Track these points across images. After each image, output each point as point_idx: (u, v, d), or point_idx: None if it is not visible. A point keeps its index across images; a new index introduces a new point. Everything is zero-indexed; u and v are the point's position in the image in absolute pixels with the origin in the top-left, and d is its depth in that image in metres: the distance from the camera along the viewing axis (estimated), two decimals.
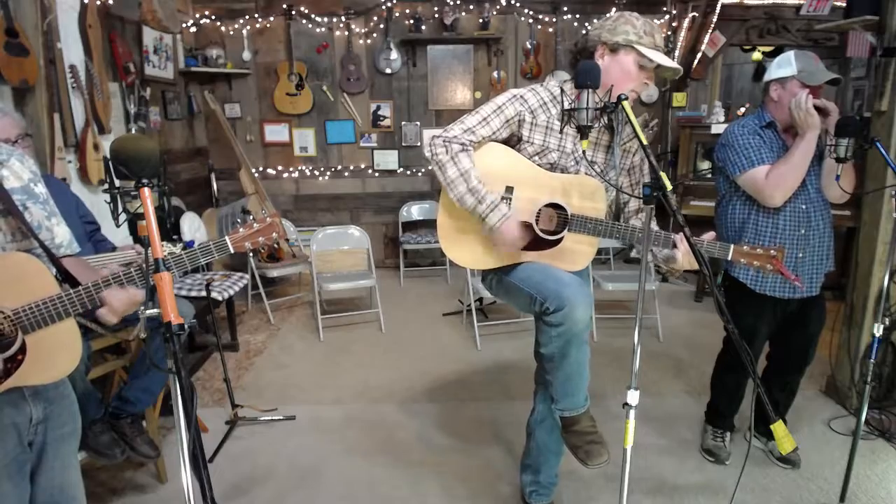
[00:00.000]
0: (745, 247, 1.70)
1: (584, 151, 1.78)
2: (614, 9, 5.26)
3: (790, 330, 2.39)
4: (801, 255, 2.23)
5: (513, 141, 1.86)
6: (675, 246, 1.71)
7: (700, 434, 2.68)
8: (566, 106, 1.79)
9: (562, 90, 1.83)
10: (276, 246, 1.53)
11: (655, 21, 5.66)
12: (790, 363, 2.45)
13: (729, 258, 1.70)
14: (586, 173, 1.83)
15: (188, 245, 4.29)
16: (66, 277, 1.31)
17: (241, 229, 1.42)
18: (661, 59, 1.70)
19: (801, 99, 2.06)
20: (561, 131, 1.82)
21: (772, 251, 1.67)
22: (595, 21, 5.35)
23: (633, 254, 1.95)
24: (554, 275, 1.77)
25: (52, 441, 1.40)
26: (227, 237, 1.41)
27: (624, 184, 1.94)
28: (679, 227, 1.40)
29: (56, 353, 1.27)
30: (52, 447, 1.40)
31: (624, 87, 1.71)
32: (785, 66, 2.15)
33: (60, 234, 1.40)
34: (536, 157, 1.82)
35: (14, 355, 1.23)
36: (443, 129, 1.80)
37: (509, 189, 1.81)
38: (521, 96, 1.81)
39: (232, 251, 1.41)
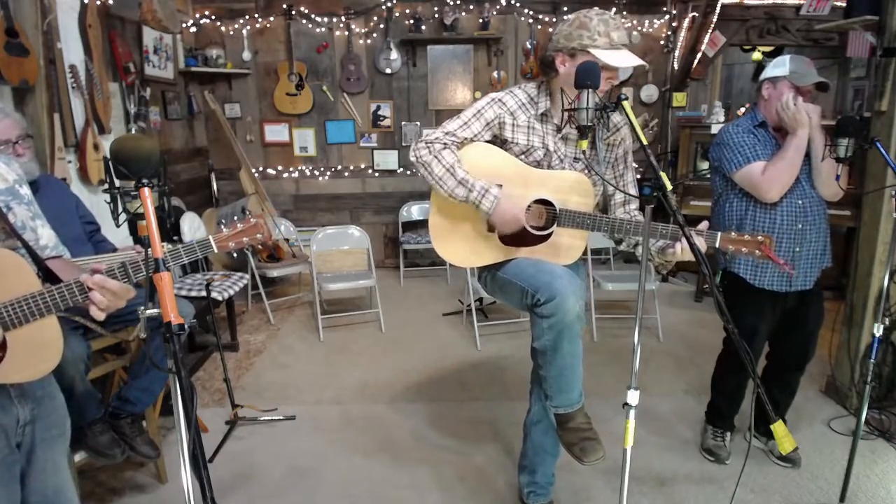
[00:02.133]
0: (732, 234, 1.71)
1: (584, 151, 1.78)
2: (614, 9, 5.26)
3: (790, 328, 2.39)
4: (798, 249, 2.26)
5: (497, 143, 1.89)
6: (677, 238, 1.71)
7: (700, 434, 2.68)
8: (566, 105, 1.81)
9: (538, 88, 1.85)
10: (260, 247, 1.54)
11: (655, 21, 5.65)
12: (790, 362, 2.46)
13: (717, 245, 1.70)
14: (572, 165, 1.86)
15: None
16: (48, 277, 1.30)
17: (224, 230, 1.44)
18: (616, 61, 1.66)
19: (787, 100, 2.14)
20: (554, 131, 1.84)
21: (759, 237, 1.68)
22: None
23: (623, 247, 1.95)
24: (545, 268, 1.78)
25: (40, 442, 1.38)
26: (210, 237, 1.42)
27: (608, 176, 1.96)
28: (679, 226, 1.41)
29: (37, 351, 1.26)
30: (42, 448, 1.38)
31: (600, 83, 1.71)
32: (779, 66, 2.24)
33: (45, 236, 1.40)
34: (523, 157, 1.86)
35: None
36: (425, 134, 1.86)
37: (498, 187, 1.84)
38: (500, 99, 1.85)
39: (216, 251, 1.43)
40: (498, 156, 1.86)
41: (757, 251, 1.68)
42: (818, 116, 2.15)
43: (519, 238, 1.83)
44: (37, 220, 1.39)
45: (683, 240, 1.63)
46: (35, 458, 1.38)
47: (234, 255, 1.68)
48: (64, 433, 1.46)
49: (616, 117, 1.87)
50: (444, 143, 1.82)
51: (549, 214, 1.84)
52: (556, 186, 1.82)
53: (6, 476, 1.32)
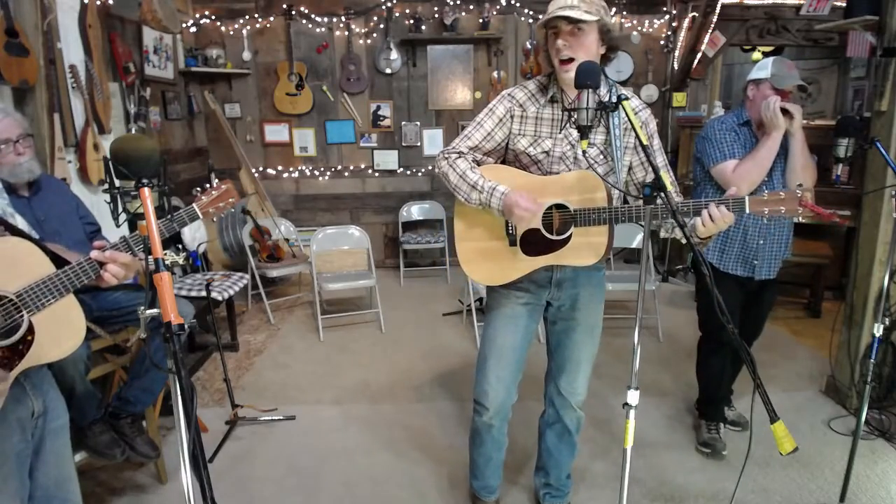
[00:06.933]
0: (764, 195, 1.57)
1: (584, 151, 1.78)
2: (614, 9, 5.26)
3: (746, 308, 2.57)
4: (762, 241, 2.40)
5: (509, 144, 1.88)
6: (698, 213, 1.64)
7: (695, 431, 2.68)
8: (566, 105, 1.80)
9: (549, 77, 1.83)
10: (232, 210, 1.72)
11: (655, 21, 5.63)
12: (743, 338, 2.57)
13: (747, 211, 1.59)
14: (582, 150, 1.82)
15: (191, 255, 4.27)
16: (52, 257, 1.34)
17: (202, 197, 1.59)
18: (550, 14, 1.67)
19: (770, 102, 2.24)
20: (555, 119, 1.82)
21: (798, 191, 1.53)
22: None
23: (662, 233, 1.91)
24: (496, 364, 2.03)
25: (48, 434, 1.41)
26: (194, 204, 1.57)
27: (628, 169, 1.91)
28: (680, 226, 1.41)
29: (63, 329, 1.31)
30: (49, 440, 1.42)
31: (554, 62, 1.73)
32: (762, 69, 2.36)
33: (21, 223, 1.48)
34: (531, 148, 1.83)
35: (23, 337, 1.27)
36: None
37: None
38: (510, 94, 1.87)
39: (200, 217, 1.57)
40: (507, 173, 1.86)
41: (798, 208, 1.53)
42: (800, 115, 2.24)
43: (540, 247, 1.83)
44: (13, 208, 1.48)
45: (704, 213, 1.60)
46: (43, 449, 1.41)
47: (214, 220, 1.85)
48: (66, 424, 1.50)
49: (635, 102, 1.82)
50: (459, 153, 1.84)
51: (567, 217, 1.82)
52: (567, 188, 1.80)
53: (21, 470, 1.35)
